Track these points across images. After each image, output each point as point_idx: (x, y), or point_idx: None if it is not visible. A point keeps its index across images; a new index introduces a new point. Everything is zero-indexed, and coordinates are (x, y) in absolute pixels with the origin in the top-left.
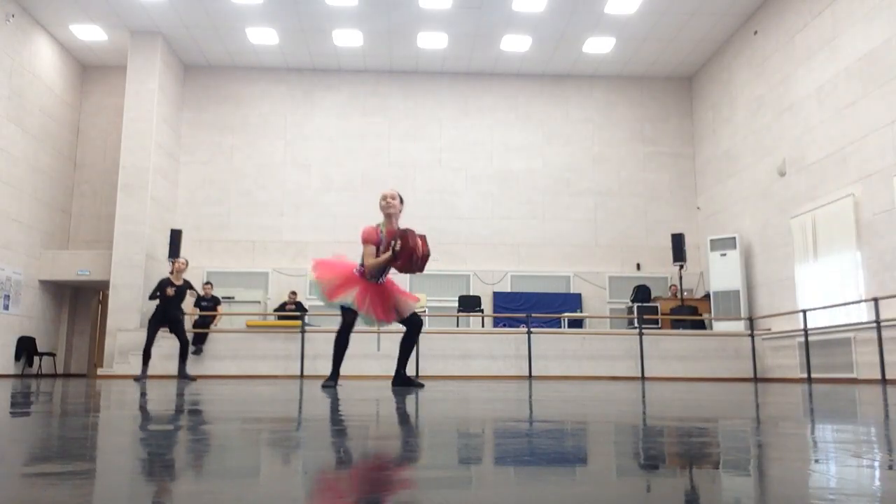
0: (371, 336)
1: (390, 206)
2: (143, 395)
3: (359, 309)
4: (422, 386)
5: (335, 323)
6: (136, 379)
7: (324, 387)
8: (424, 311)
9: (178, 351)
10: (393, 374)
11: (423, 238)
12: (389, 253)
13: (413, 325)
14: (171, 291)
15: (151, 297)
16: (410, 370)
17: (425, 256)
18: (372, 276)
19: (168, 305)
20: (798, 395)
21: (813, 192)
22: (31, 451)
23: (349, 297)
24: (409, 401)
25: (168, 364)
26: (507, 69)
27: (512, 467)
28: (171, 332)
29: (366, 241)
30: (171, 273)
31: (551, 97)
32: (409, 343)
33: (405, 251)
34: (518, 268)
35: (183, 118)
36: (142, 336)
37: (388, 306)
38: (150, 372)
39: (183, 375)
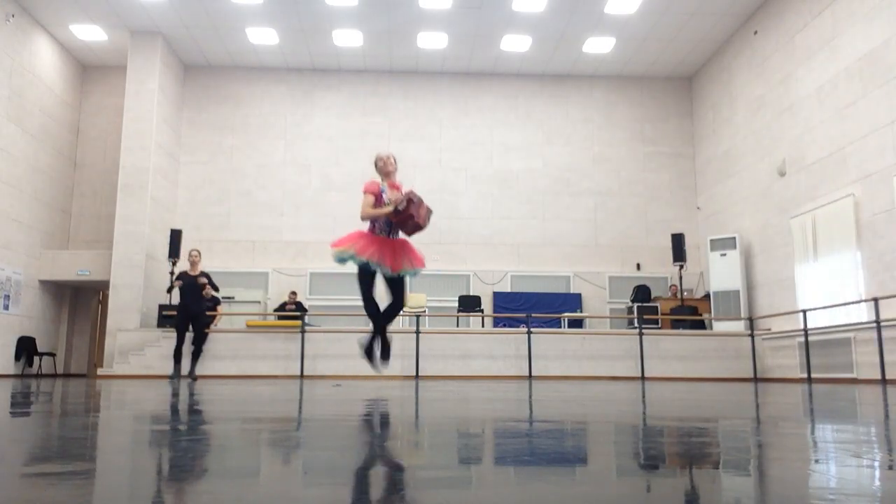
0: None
1: (388, 166)
2: (174, 394)
3: (359, 254)
4: (389, 343)
5: (335, 323)
6: (170, 377)
7: (371, 354)
8: (424, 311)
9: (185, 350)
10: (384, 351)
11: (428, 212)
12: (391, 207)
13: (397, 298)
14: (202, 280)
15: (169, 290)
16: (410, 369)
17: (418, 227)
18: (380, 230)
19: (188, 299)
20: (798, 395)
21: (813, 192)
22: (31, 451)
23: (352, 247)
24: (409, 401)
25: (168, 364)
26: (507, 69)
27: (512, 467)
28: (191, 328)
29: (366, 192)
30: (189, 267)
31: (551, 97)
32: (393, 315)
33: (404, 215)
34: (518, 268)
35: (183, 118)
36: (142, 336)
37: (394, 256)
38: (149, 372)
39: (190, 373)
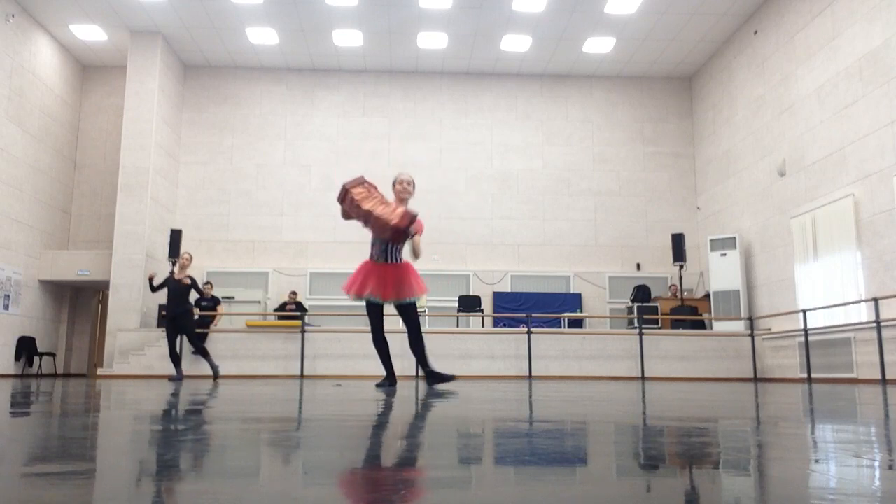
0: (370, 336)
1: (405, 192)
2: (174, 394)
3: (358, 294)
4: (454, 378)
5: (335, 323)
6: (171, 379)
7: (377, 385)
8: (424, 312)
9: (190, 351)
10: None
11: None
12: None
13: (410, 325)
14: (186, 281)
15: (153, 290)
16: (410, 369)
17: (394, 229)
18: (378, 255)
19: (172, 302)
20: (798, 395)
21: (813, 192)
22: (31, 451)
23: (352, 289)
24: (409, 401)
25: (167, 364)
26: (507, 69)
27: (512, 467)
28: (177, 329)
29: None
30: (175, 269)
31: (551, 97)
32: (416, 343)
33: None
34: (518, 268)
35: (183, 118)
36: (142, 336)
37: (386, 285)
38: (149, 372)
39: (214, 373)
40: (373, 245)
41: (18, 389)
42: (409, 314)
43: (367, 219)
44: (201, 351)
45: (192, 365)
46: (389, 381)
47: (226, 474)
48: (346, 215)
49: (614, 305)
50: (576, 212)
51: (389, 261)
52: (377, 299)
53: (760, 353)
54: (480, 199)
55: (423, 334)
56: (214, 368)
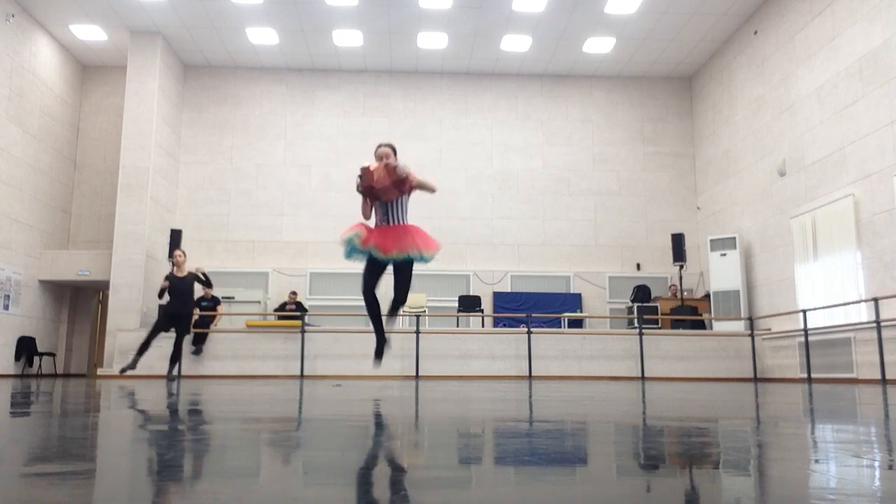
0: (371, 336)
1: (386, 155)
2: (173, 394)
3: (363, 244)
4: (385, 341)
5: (336, 322)
6: (168, 378)
7: (377, 355)
8: (424, 311)
9: (191, 351)
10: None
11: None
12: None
13: (400, 284)
14: (202, 272)
15: (160, 296)
16: (410, 369)
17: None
18: (381, 220)
19: (177, 300)
20: (798, 395)
21: (813, 192)
22: (31, 451)
23: (353, 232)
24: (409, 401)
25: (167, 364)
26: (507, 69)
27: (512, 467)
28: (174, 327)
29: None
30: (173, 268)
31: (551, 97)
32: (400, 301)
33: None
34: (518, 268)
35: (183, 118)
36: (142, 336)
37: (387, 240)
38: (149, 372)
39: (168, 374)
40: (375, 215)
41: (18, 389)
42: (405, 272)
43: (393, 178)
44: (142, 347)
45: (192, 364)
46: (380, 343)
47: (226, 474)
48: (366, 206)
49: (614, 305)
50: (576, 212)
51: (392, 223)
52: (379, 254)
53: (760, 353)
54: (480, 199)
55: (422, 333)
56: (132, 364)
